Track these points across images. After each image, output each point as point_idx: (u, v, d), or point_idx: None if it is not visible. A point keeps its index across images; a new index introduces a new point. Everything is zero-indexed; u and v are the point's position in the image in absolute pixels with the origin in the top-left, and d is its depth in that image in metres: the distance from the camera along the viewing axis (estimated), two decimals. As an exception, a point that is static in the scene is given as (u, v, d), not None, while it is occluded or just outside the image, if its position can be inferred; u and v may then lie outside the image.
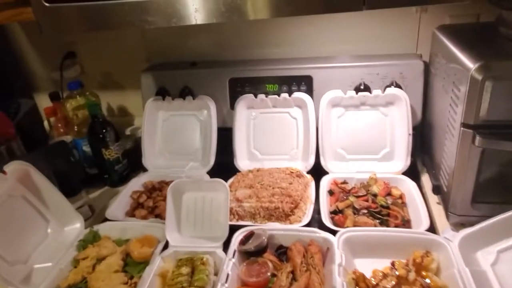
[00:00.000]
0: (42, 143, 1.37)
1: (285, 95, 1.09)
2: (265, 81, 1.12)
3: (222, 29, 1.20)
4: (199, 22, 0.72)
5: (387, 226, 0.87)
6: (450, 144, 0.83)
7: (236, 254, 0.81)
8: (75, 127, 1.19)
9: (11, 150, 1.11)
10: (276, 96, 1.10)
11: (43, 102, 1.39)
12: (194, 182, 0.92)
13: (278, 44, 1.17)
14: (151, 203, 1.03)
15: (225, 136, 1.13)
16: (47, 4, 0.77)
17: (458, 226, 0.85)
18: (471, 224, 0.82)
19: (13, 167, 0.85)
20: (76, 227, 0.94)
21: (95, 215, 1.06)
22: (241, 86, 1.14)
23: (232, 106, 1.16)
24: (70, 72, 1.31)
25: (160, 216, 0.98)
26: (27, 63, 1.41)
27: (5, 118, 1.13)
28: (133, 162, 1.22)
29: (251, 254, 0.82)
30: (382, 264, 0.78)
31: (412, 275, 0.72)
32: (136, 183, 1.13)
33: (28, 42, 1.36)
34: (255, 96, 1.11)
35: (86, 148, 1.21)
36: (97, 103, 1.11)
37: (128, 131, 1.28)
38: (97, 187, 1.19)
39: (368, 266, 0.78)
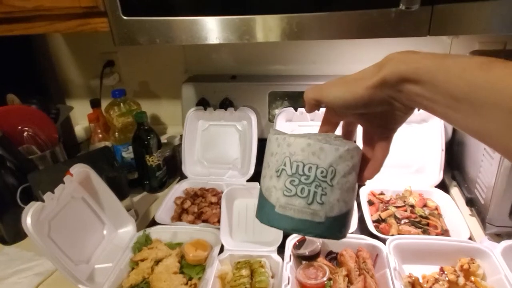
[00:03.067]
0: (74, 148, 1.41)
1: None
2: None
3: (259, 45, 1.26)
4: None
5: (428, 235, 0.92)
6: (488, 162, 0.90)
7: (292, 258, 0.85)
8: (116, 133, 1.23)
9: (54, 155, 1.14)
10: (316, 110, 1.16)
11: (77, 107, 1.42)
12: (246, 188, 0.96)
13: (315, 61, 1.24)
14: (196, 209, 1.07)
15: (263, 147, 1.18)
16: (124, 17, 0.82)
17: (493, 236, 0.92)
18: (507, 234, 0.90)
19: (77, 170, 0.88)
20: (128, 230, 0.97)
21: (139, 219, 1.09)
22: (281, 100, 1.21)
23: (271, 119, 1.22)
24: (109, 80, 1.35)
25: (208, 221, 1.02)
26: (63, 70, 1.44)
27: (51, 123, 1.16)
28: (170, 169, 1.26)
29: (305, 258, 0.86)
30: (428, 270, 0.84)
31: (461, 280, 0.77)
32: (178, 190, 1.16)
33: (67, 50, 1.40)
34: (295, 109, 1.17)
35: (125, 154, 1.24)
36: (144, 112, 1.15)
37: (164, 139, 1.32)
38: (136, 192, 1.22)
39: (415, 272, 0.83)
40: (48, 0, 0.89)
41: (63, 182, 0.85)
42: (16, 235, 1.03)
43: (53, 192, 0.81)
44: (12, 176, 1.02)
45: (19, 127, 1.08)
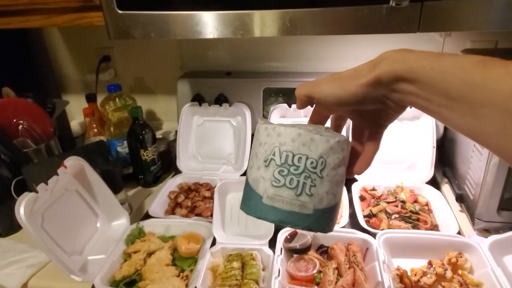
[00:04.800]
0: (69, 142, 1.41)
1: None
2: (298, 92, 1.19)
3: (254, 42, 1.27)
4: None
5: (418, 230, 0.94)
6: (478, 158, 0.91)
7: (283, 251, 0.86)
8: (111, 128, 1.24)
9: (49, 149, 1.15)
10: (309, 106, 1.17)
11: (72, 102, 1.42)
12: (239, 183, 0.97)
13: (310, 58, 1.25)
14: (189, 203, 1.08)
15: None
16: (119, 11, 0.83)
17: (482, 231, 0.93)
18: (495, 229, 0.92)
19: (71, 162, 0.89)
20: (122, 223, 0.98)
21: (133, 212, 1.10)
22: (275, 96, 1.22)
23: (265, 115, 1.23)
24: (105, 76, 1.36)
25: (201, 215, 1.03)
26: (59, 64, 1.45)
27: (47, 117, 1.17)
28: (165, 164, 1.27)
29: (296, 251, 0.87)
30: (417, 263, 0.85)
31: (449, 273, 0.79)
32: (172, 184, 1.17)
33: (64, 45, 1.41)
34: (289, 106, 1.18)
35: (120, 149, 1.25)
36: (139, 106, 1.16)
37: (160, 135, 1.33)
38: (130, 186, 1.23)
39: (404, 265, 0.84)
40: (44, -7, 0.90)
41: (57, 174, 0.85)
42: (10, 227, 1.04)
43: (46, 184, 0.82)
44: (6, 168, 1.03)
45: (15, 120, 1.08)
